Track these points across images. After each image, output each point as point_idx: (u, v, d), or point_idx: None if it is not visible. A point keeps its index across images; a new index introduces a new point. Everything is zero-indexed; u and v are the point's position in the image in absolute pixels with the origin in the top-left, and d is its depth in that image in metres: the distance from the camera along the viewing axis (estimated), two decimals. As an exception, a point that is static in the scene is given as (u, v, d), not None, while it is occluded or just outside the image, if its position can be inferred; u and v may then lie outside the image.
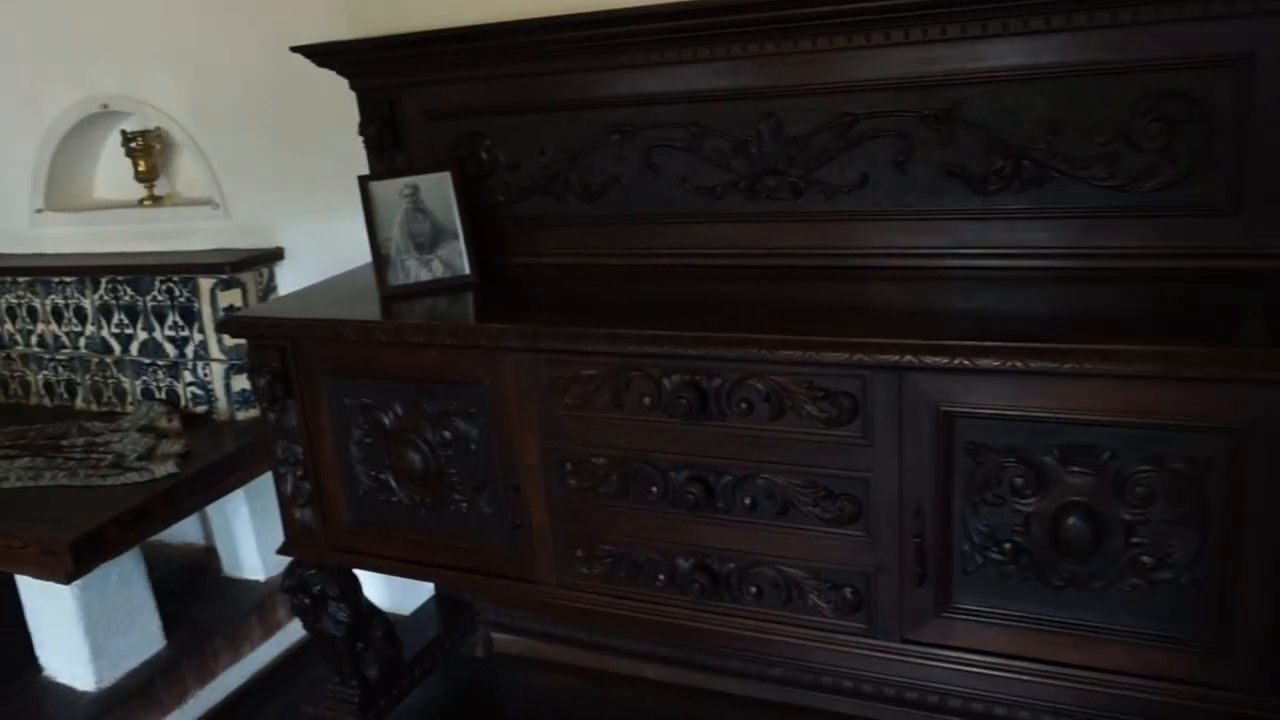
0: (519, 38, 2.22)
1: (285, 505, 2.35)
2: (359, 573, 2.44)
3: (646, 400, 1.85)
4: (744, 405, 1.77)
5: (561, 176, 2.31)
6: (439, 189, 2.29)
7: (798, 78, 2.01)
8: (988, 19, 1.83)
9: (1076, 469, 1.58)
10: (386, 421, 2.14)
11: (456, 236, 2.28)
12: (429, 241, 2.28)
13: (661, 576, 1.95)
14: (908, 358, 1.60)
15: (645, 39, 2.11)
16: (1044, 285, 1.86)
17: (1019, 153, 1.92)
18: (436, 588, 2.84)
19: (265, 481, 2.84)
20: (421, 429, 2.10)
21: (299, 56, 2.44)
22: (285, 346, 2.20)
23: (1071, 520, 1.59)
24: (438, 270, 2.27)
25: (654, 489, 1.90)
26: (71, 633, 2.60)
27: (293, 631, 2.95)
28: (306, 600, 2.42)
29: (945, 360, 1.57)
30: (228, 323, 2.33)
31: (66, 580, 2.47)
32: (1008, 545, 1.65)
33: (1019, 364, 1.53)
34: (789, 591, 1.85)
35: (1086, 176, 1.89)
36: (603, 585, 2.02)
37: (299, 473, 2.30)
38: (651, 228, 2.24)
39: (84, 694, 2.62)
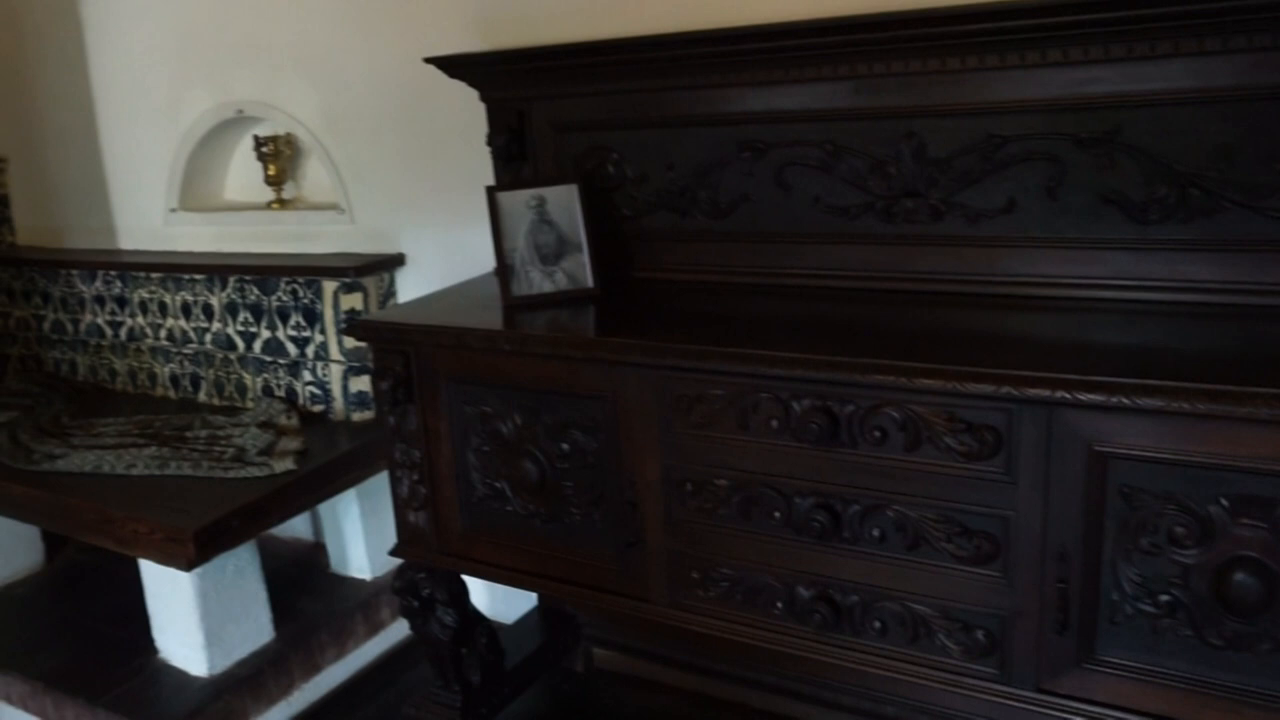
0: (649, 52, 2.16)
1: (400, 508, 2.33)
2: (467, 579, 2.41)
3: (774, 423, 1.77)
4: (877, 434, 1.68)
5: (689, 192, 2.25)
6: (565, 201, 2.25)
7: (943, 97, 1.91)
8: (1157, 39, 1.71)
9: (1248, 521, 1.44)
10: (505, 430, 2.10)
11: (581, 249, 2.23)
12: (553, 253, 2.24)
13: (780, 604, 1.87)
14: (1060, 393, 1.49)
15: (779, 55, 2.04)
16: (1208, 321, 1.73)
17: (1186, 180, 1.79)
18: (540, 598, 2.79)
19: (377, 482, 2.84)
20: (540, 439, 2.05)
21: (429, 67, 2.43)
22: (409, 352, 2.18)
23: (1239, 576, 1.46)
24: (561, 282, 2.23)
25: (777, 514, 1.82)
26: (188, 619, 2.63)
27: (396, 632, 2.94)
28: (415, 603, 2.39)
29: (1103, 398, 1.46)
30: (353, 326, 2.32)
31: (187, 567, 2.50)
32: (1163, 598, 1.53)
33: (1186, 405, 1.41)
34: (916, 629, 1.75)
35: (1264, 207, 1.74)
36: (717, 608, 1.95)
37: (415, 476, 2.27)
38: (781, 247, 2.16)
39: (196, 679, 2.64)
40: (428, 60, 2.40)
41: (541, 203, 2.25)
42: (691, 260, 2.27)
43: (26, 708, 2.81)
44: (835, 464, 1.74)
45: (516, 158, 2.41)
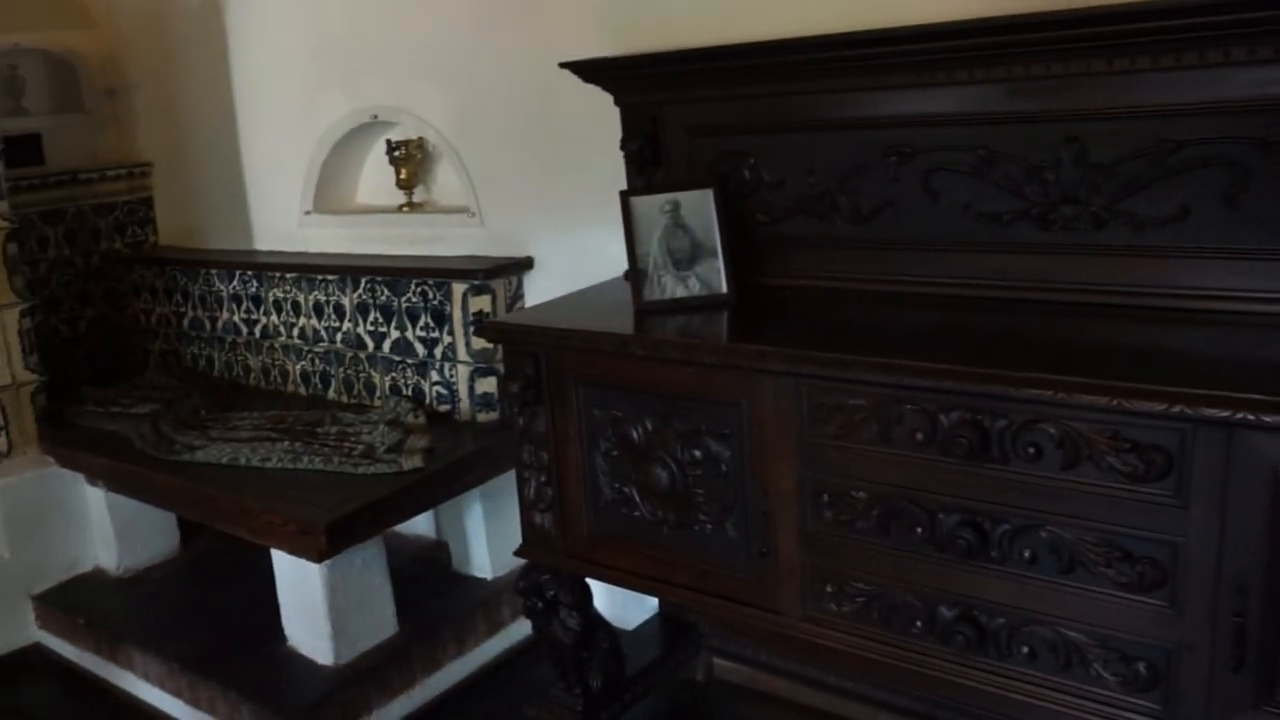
0: (789, 56, 2.12)
1: (526, 509, 2.33)
2: (591, 582, 2.40)
3: (919, 436, 1.70)
4: (1032, 450, 1.60)
5: (829, 197, 2.19)
6: (700, 206, 2.22)
7: (1108, 99, 1.82)
8: (1354, 35, 1.59)
9: None
10: (635, 435, 2.08)
11: (715, 254, 2.20)
12: (687, 258, 2.21)
13: (919, 623, 1.80)
14: (1243, 414, 1.39)
15: (928, 58, 1.97)
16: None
17: (1383, 188, 1.67)
18: (660, 606, 2.77)
19: (500, 483, 2.86)
20: (671, 446, 2.03)
21: (561, 71, 2.44)
22: (539, 354, 2.19)
23: None
24: (694, 287, 2.20)
25: (919, 530, 1.75)
26: (317, 609, 2.68)
27: (516, 632, 2.95)
28: (539, 604, 2.39)
29: (1293, 420, 1.36)
30: (485, 327, 2.35)
31: (318, 559, 2.56)
32: (1357, 637, 1.42)
33: (1389, 430, 1.30)
34: (1068, 656, 1.66)
35: None
36: (851, 624, 1.89)
37: (542, 478, 2.28)
38: (926, 254, 2.08)
39: (323, 668, 2.70)
40: (563, 65, 2.41)
41: (676, 207, 2.23)
42: (829, 267, 2.21)
43: (163, 687, 2.92)
44: (984, 480, 1.67)
45: (650, 162, 2.40)
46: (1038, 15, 1.81)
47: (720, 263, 2.20)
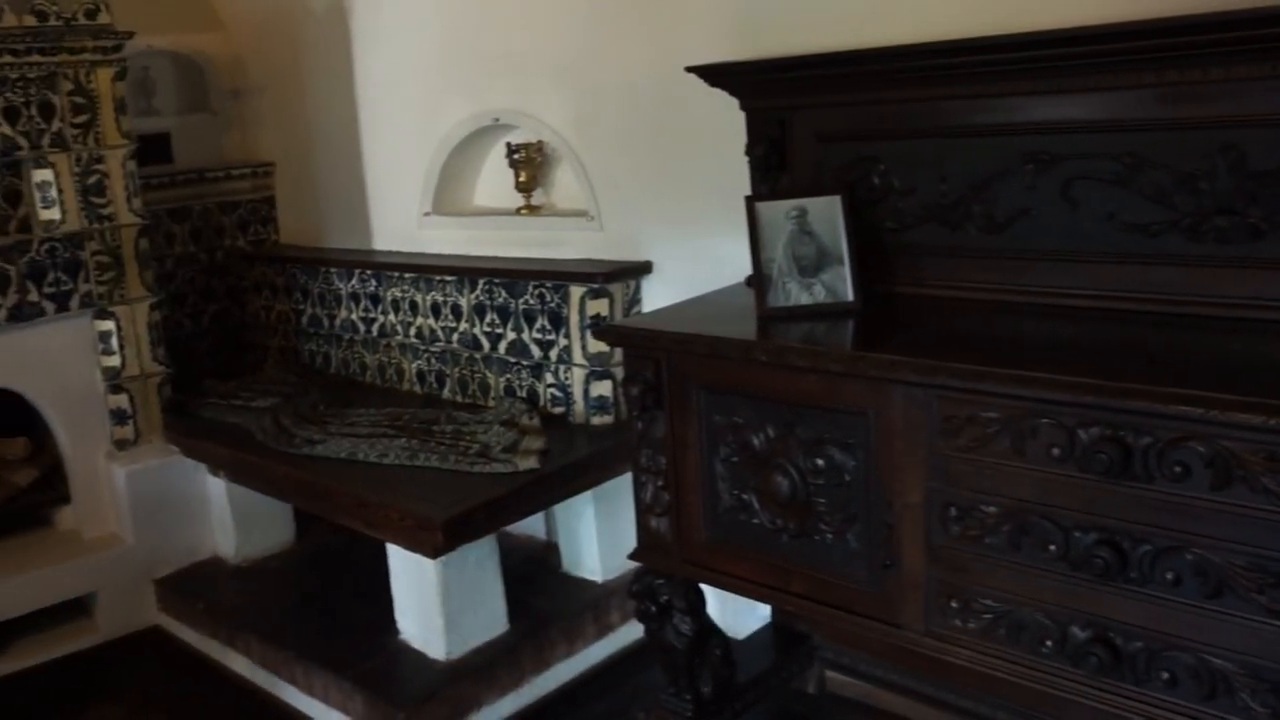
0: (924, 60, 2.14)
1: (642, 513, 2.39)
2: (705, 588, 2.45)
3: (1055, 451, 1.70)
4: (1178, 469, 1.59)
5: (962, 205, 2.20)
6: (827, 212, 2.25)
7: (1270, 105, 1.79)
8: None
9: None
10: (756, 442, 2.12)
11: (842, 261, 2.23)
12: (813, 265, 2.25)
13: (1049, 643, 1.80)
14: None
15: (1071, 62, 1.97)
16: None
17: None
18: (773, 615, 2.80)
19: (613, 487, 2.94)
20: (793, 454, 2.06)
21: (684, 75, 2.49)
22: (660, 359, 2.24)
23: None
24: (819, 294, 2.23)
25: (1052, 547, 1.75)
26: (430, 604, 2.80)
27: (625, 635, 3.02)
28: (652, 608, 2.45)
29: None
30: (606, 331, 2.41)
31: (434, 555, 2.67)
32: None
33: None
34: (1213, 685, 1.63)
35: None
36: (977, 641, 1.89)
37: (660, 483, 2.33)
38: (1066, 265, 2.07)
39: (434, 662, 2.81)
40: (689, 69, 2.47)
41: (802, 214, 2.26)
42: (960, 276, 2.22)
43: (278, 674, 3.07)
44: (1125, 499, 1.66)
45: (775, 168, 2.44)
46: (1198, 18, 1.79)
47: (847, 270, 2.22)
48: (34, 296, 3.37)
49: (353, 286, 3.70)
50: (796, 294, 2.24)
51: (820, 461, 2.03)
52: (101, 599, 3.49)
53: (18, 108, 3.29)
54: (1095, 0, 1.95)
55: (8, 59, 3.25)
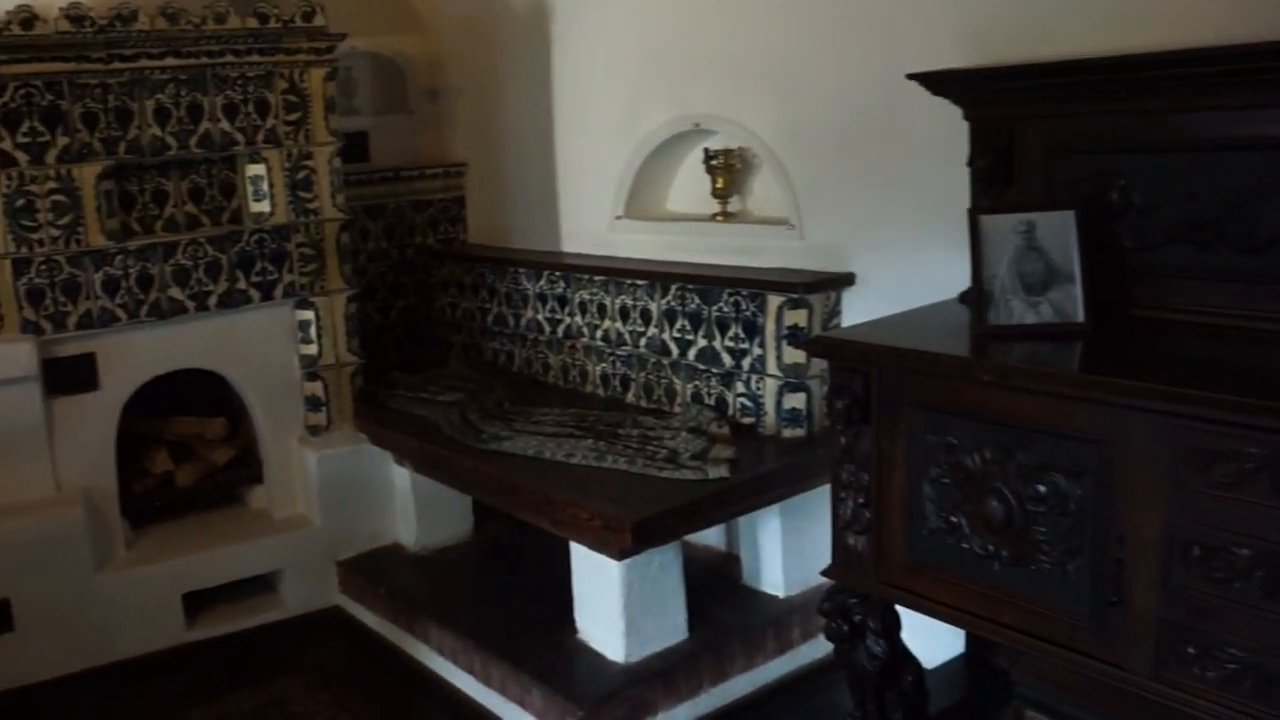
0: (1179, 69, 2.06)
1: (839, 529, 2.38)
2: (900, 612, 2.42)
3: (1325, 494, 1.61)
4: None
5: (1215, 224, 2.10)
6: (1058, 228, 2.19)
7: None
8: None
9: None
10: (970, 464, 2.08)
11: (1072, 280, 2.17)
12: (1039, 282, 2.19)
13: (1304, 701, 1.70)
14: None
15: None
16: None
17: None
18: (968, 646, 2.74)
19: (802, 501, 2.94)
20: (1010, 478, 2.01)
21: (901, 82, 2.48)
22: (869, 373, 2.23)
23: None
24: (1045, 314, 2.18)
25: (1315, 598, 1.66)
26: (611, 606, 2.86)
27: (806, 654, 3.02)
28: (844, 627, 2.43)
29: None
30: (812, 342, 2.42)
31: (619, 557, 2.73)
32: None
33: None
34: None
35: None
36: (1217, 692, 1.80)
37: (860, 500, 2.31)
38: (1335, 293, 1.97)
39: (612, 663, 2.87)
40: (910, 76, 2.45)
41: (1030, 229, 2.21)
42: (1210, 300, 2.11)
43: (455, 661, 3.20)
44: (1406, 550, 1.56)
45: (1000, 180, 2.39)
46: None
47: (1078, 289, 2.16)
48: (242, 285, 3.63)
49: (540, 287, 3.82)
50: (1020, 312, 2.19)
51: (1042, 488, 1.97)
52: (287, 576, 3.72)
53: (236, 105, 3.55)
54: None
55: (230, 59, 3.52)
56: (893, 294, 2.73)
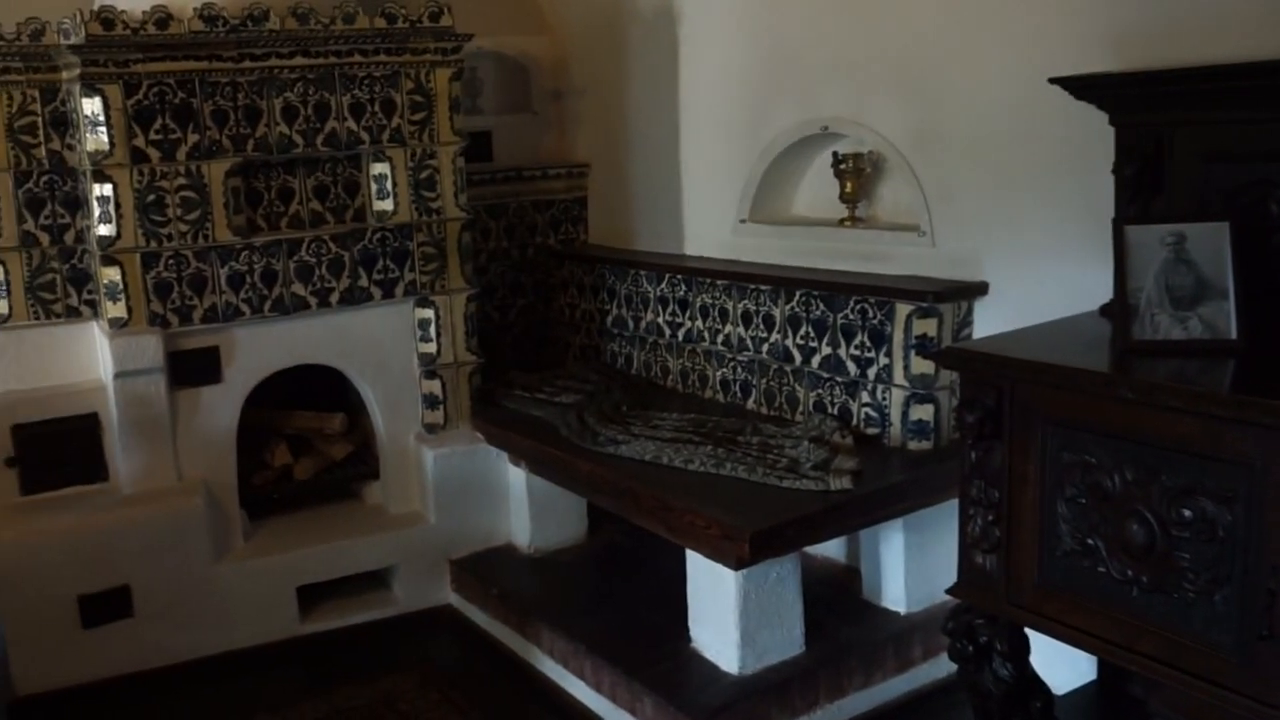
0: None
1: (966, 547, 2.39)
2: (1030, 635, 2.41)
3: None
4: None
5: (1387, 240, 2.07)
6: (1211, 240, 2.17)
7: None
8: None
9: None
10: (1109, 485, 2.07)
11: (1225, 295, 2.14)
12: (1189, 297, 2.17)
13: None
14: None
15: None
16: None
17: None
18: (1100, 673, 2.71)
19: (926, 516, 2.96)
20: (1154, 501, 2.00)
21: (1042, 87, 2.48)
22: (1003, 386, 2.23)
23: None
24: (1194, 329, 2.15)
25: None
26: (726, 616, 2.91)
27: (927, 673, 3.03)
28: (970, 648, 2.44)
29: None
30: (945, 353, 2.44)
31: (736, 566, 2.78)
32: None
33: None
34: None
35: None
36: (1373, 735, 1.78)
37: (990, 517, 2.32)
38: None
39: (726, 674, 2.92)
40: (1054, 80, 2.45)
41: (1180, 240, 2.19)
42: (1379, 321, 2.08)
43: (566, 665, 3.29)
44: None
45: (1146, 189, 2.38)
46: None
47: (1231, 304, 2.13)
48: (364, 282, 3.79)
49: (661, 290, 3.91)
50: (1167, 327, 2.17)
51: (1188, 513, 1.95)
52: (401, 573, 3.87)
53: (363, 104, 3.72)
54: None
55: (357, 59, 3.69)
56: (1027, 305, 2.72)
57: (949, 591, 2.45)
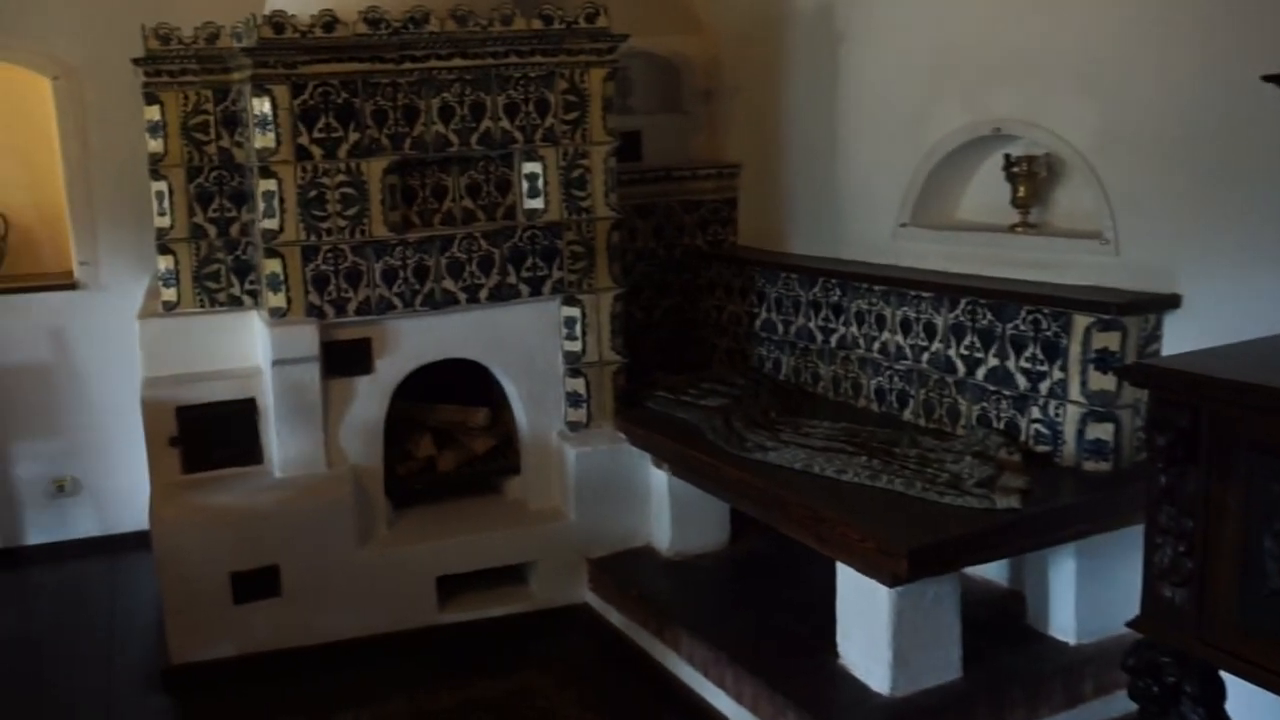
0: None
1: (1152, 577, 2.22)
2: (1227, 679, 2.23)
3: None
4: None
5: None
6: None
7: None
8: None
9: None
10: (1327, 520, 1.90)
11: None
12: None
13: None
14: None
15: None
16: None
17: None
18: (1304, 726, 2.51)
19: (1102, 542, 2.78)
20: (1382, 541, 1.82)
21: (1252, 85, 2.28)
22: (1199, 407, 2.07)
23: None
24: None
25: None
26: (879, 634, 2.79)
27: (1098, 710, 2.84)
28: (1155, 688, 2.27)
29: None
30: (1132, 369, 2.28)
31: (891, 583, 2.66)
32: None
33: None
34: None
35: None
36: None
37: (1181, 547, 2.15)
38: None
39: (876, 694, 2.80)
40: (1266, 78, 2.27)
41: None
42: None
43: (705, 673, 3.22)
44: None
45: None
46: None
47: None
48: (512, 279, 3.81)
49: (814, 294, 3.81)
50: (1399, 350, 1.98)
51: None
52: (539, 569, 3.88)
53: (517, 104, 3.74)
54: None
55: (514, 59, 3.71)
56: (1224, 320, 2.53)
57: (1130, 624, 2.28)
